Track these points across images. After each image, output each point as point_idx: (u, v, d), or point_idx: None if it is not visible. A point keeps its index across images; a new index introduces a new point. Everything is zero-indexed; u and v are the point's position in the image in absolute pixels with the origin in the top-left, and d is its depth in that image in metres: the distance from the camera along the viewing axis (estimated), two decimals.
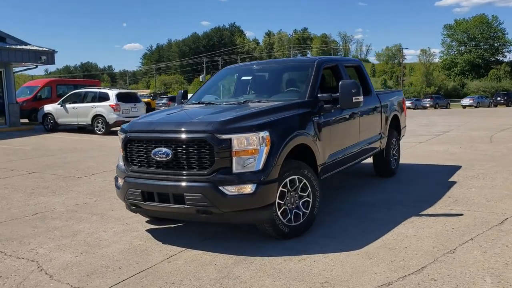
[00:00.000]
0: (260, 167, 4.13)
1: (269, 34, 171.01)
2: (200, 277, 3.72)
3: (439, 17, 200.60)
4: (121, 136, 4.66)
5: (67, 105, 17.51)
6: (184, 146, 4.17)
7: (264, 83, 5.91)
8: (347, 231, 4.74)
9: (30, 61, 19.55)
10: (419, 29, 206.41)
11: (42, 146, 13.75)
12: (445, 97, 69.98)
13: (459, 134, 14.82)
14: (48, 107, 18.26)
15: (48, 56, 19.96)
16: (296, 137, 4.51)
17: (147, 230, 5.03)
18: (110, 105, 16.47)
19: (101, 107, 16.62)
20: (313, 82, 5.21)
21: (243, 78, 6.07)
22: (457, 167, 8.16)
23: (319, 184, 4.80)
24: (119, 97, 16.77)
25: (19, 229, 5.25)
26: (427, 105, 53.76)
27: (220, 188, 4.06)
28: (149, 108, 27.05)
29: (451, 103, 60.10)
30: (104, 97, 16.96)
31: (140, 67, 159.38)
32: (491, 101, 55.13)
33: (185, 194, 4.12)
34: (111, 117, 16.34)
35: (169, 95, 56.13)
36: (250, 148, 4.11)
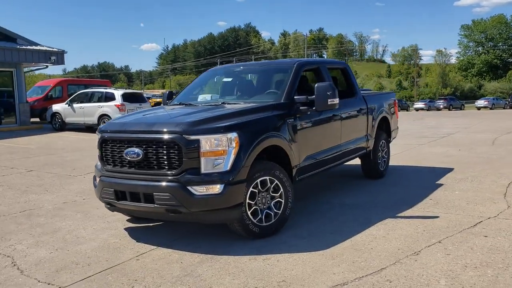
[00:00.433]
0: (228, 168, 4.20)
1: (284, 34, 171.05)
2: (164, 274, 3.81)
3: (458, 17, 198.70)
4: (98, 136, 4.79)
5: (75, 105, 17.81)
6: (154, 146, 4.27)
7: (245, 85, 5.99)
8: (319, 232, 4.79)
9: (40, 61, 19.92)
10: (437, 29, 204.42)
11: (46, 145, 14.02)
12: (461, 99, 69.24)
13: (463, 136, 14.68)
14: (56, 107, 18.59)
15: (58, 56, 20.29)
16: (268, 138, 4.57)
17: (125, 228, 5.14)
18: (115, 105, 16.71)
19: (107, 107, 16.87)
20: (290, 84, 5.27)
21: (225, 79, 6.16)
22: (449, 170, 8.13)
23: (292, 185, 4.86)
24: (125, 97, 17.00)
25: (3, 225, 5.41)
26: (441, 106, 53.17)
27: (188, 188, 4.15)
28: None
29: (466, 105, 59.41)
30: (110, 97, 17.20)
31: (156, 67, 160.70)
32: (507, 102, 54.28)
33: (154, 193, 4.22)
34: (117, 116, 16.56)
35: None
36: (218, 149, 4.19)
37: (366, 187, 6.85)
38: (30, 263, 4.17)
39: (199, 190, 4.15)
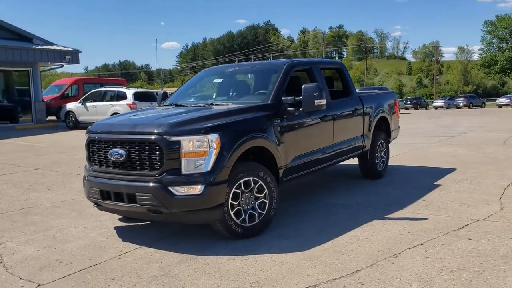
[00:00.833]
0: (209, 168, 4.24)
1: (304, 31, 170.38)
2: (141, 274, 3.87)
3: (481, 13, 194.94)
4: (86, 136, 4.88)
5: (88, 104, 18.11)
6: (136, 147, 4.33)
7: (236, 86, 6.02)
8: (304, 232, 4.79)
9: (55, 61, 20.33)
10: (459, 26, 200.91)
11: (58, 143, 14.29)
12: (483, 96, 68.07)
13: (475, 136, 14.46)
14: (70, 105, 18.93)
15: (73, 56, 20.67)
16: (251, 139, 4.59)
17: (114, 227, 5.23)
18: (127, 104, 16.93)
19: (118, 106, 17.11)
20: (278, 85, 5.27)
21: (216, 80, 6.20)
22: (451, 170, 8.03)
23: (277, 186, 4.87)
24: (136, 96, 17.22)
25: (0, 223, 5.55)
26: (461, 104, 52.30)
27: (169, 188, 4.20)
28: None
29: (488, 103, 58.34)
30: (122, 96, 17.45)
31: (176, 65, 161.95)
32: None
33: (136, 193, 4.29)
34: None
35: None
36: (199, 150, 4.23)
37: (361, 187, 6.82)
38: (16, 260, 4.28)
39: (180, 190, 4.20)
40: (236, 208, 4.50)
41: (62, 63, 20.88)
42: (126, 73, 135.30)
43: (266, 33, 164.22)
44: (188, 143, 4.20)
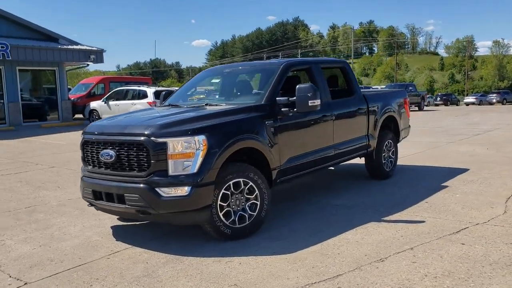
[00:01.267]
0: (196, 170, 4.25)
1: (333, 27, 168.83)
2: (125, 274, 3.91)
3: None
4: (81, 137, 4.97)
5: (110, 102, 18.45)
6: (125, 148, 4.39)
7: (233, 86, 6.00)
8: (296, 234, 4.75)
9: (80, 60, 20.82)
10: (495, 19, 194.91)
11: (78, 141, 14.55)
12: None
13: (501, 134, 14.01)
14: (93, 104, 19.34)
15: (97, 55, 21.11)
16: (241, 140, 4.57)
17: (111, 227, 5.31)
18: (148, 102, 17.16)
19: (139, 104, 17.33)
20: (273, 85, 5.23)
21: (214, 80, 6.20)
22: (464, 170, 7.81)
23: (269, 188, 4.84)
24: (157, 94, 17.40)
25: (5, 221, 5.71)
26: (494, 100, 50.71)
27: (156, 189, 4.23)
28: None
29: None
30: (143, 95, 17.70)
31: (205, 63, 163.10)
32: None
33: (125, 194, 4.34)
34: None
35: None
36: (186, 151, 4.25)
37: (366, 188, 6.71)
38: (10, 258, 4.40)
39: (166, 192, 4.22)
40: (225, 209, 4.49)
41: (87, 63, 21.36)
42: (157, 71, 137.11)
43: (295, 29, 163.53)
44: (174, 145, 4.22)
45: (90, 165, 4.79)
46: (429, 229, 4.72)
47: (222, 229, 4.47)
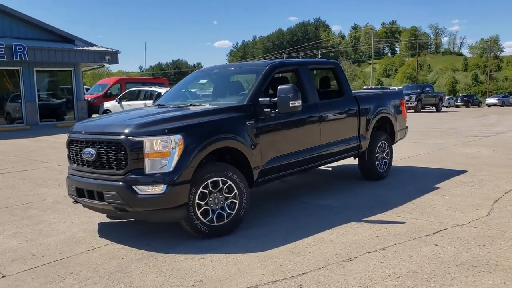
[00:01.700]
0: (171, 169, 4.35)
1: (355, 27, 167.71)
2: (99, 269, 4.03)
3: None
4: (67, 136, 5.13)
5: (123, 102, 18.75)
6: (105, 147, 4.52)
7: (219, 86, 6.10)
8: (274, 233, 4.80)
9: (95, 61, 21.22)
10: None
11: None
12: None
13: None
14: (107, 104, 19.69)
15: (112, 56, 21.49)
16: (220, 140, 4.66)
17: (99, 223, 5.45)
18: None
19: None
20: (256, 86, 5.30)
21: (201, 81, 6.30)
22: (461, 172, 7.74)
23: (248, 187, 4.91)
24: None
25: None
26: None
27: (133, 187, 4.34)
28: None
29: None
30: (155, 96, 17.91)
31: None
32: None
33: (104, 192, 4.47)
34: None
35: None
36: (162, 150, 4.35)
37: (355, 189, 6.71)
38: None
39: (143, 190, 4.33)
40: (203, 208, 4.58)
41: (103, 63, 21.76)
42: (179, 71, 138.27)
43: (316, 30, 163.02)
44: (150, 144, 4.33)
45: (74, 163, 4.94)
46: (407, 230, 4.72)
47: (199, 227, 4.56)
